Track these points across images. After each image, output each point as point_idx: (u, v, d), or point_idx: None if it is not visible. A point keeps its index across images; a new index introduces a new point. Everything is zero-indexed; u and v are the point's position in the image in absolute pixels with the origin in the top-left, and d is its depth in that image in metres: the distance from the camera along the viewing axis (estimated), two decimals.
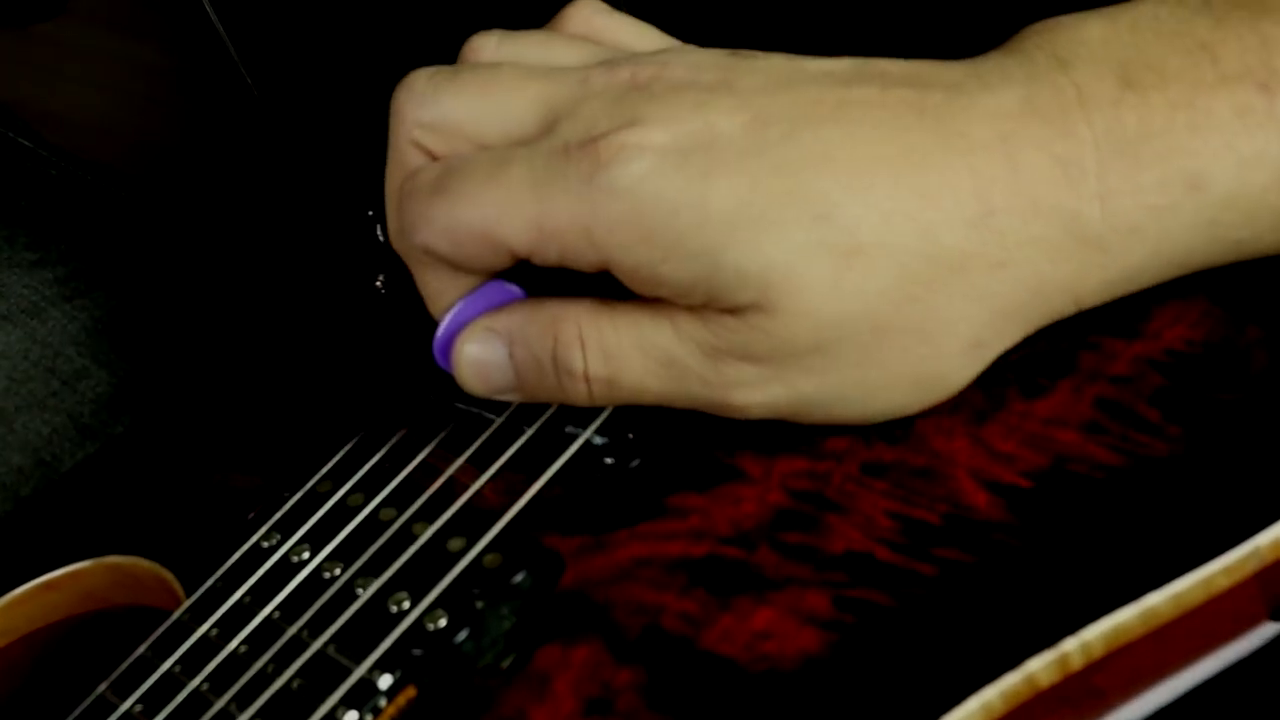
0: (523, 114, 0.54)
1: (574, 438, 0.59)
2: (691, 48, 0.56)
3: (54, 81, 0.79)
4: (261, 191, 0.72)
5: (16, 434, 0.76)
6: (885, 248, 0.50)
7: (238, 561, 0.60)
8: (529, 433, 0.60)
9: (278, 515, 0.61)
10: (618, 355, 0.53)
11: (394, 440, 0.62)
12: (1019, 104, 0.51)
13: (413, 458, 0.61)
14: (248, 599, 0.58)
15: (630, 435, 0.58)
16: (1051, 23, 0.54)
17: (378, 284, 0.69)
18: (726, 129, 0.51)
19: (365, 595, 0.56)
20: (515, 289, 0.56)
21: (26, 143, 0.86)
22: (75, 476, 0.70)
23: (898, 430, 0.56)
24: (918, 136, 0.51)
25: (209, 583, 0.59)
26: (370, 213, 0.70)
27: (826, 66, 0.53)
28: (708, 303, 0.51)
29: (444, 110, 0.55)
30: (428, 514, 0.58)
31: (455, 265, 0.54)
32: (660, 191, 0.50)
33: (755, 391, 0.52)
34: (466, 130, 0.55)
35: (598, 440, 0.59)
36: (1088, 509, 0.52)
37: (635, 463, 0.58)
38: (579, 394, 0.54)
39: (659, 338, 0.52)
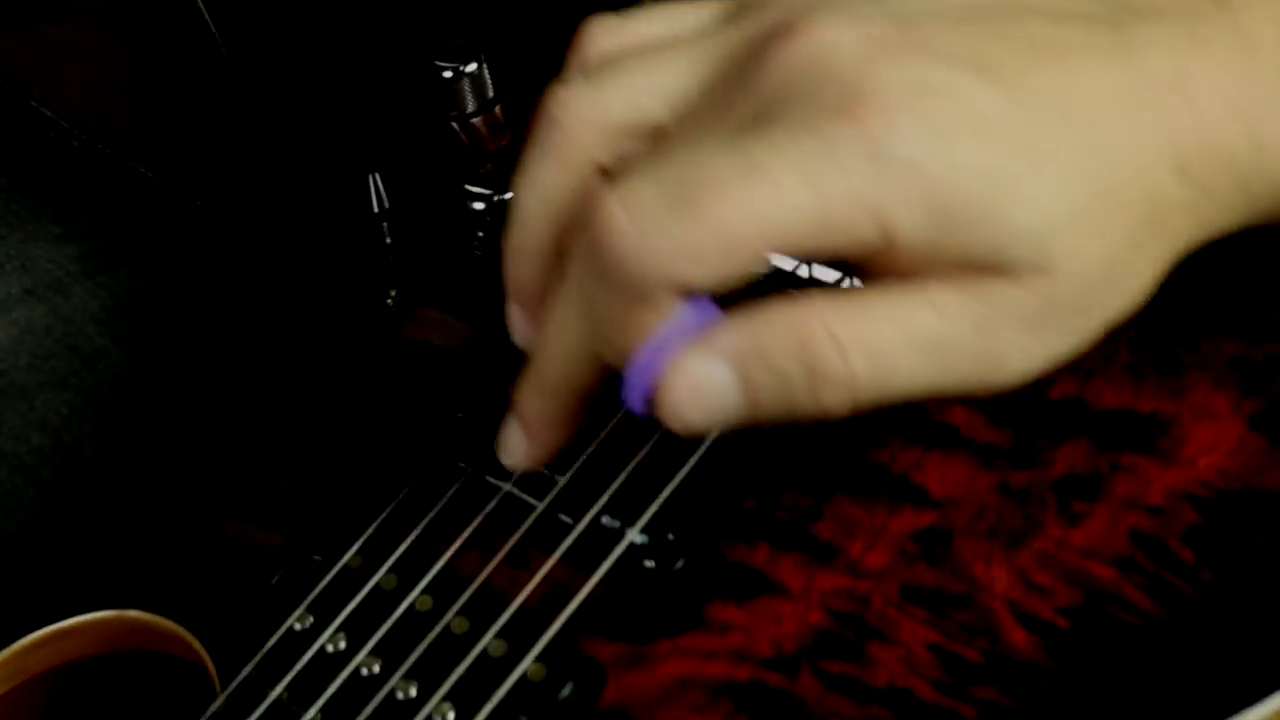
0: (712, 77, 0.51)
1: (614, 532, 0.59)
2: None
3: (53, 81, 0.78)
4: (268, 193, 0.72)
5: (37, 412, 0.76)
6: (1126, 194, 0.49)
7: (272, 648, 0.61)
8: (575, 528, 0.60)
9: (311, 596, 0.61)
10: (881, 349, 0.48)
11: (429, 519, 0.62)
12: (1186, 39, 0.50)
13: (448, 542, 0.61)
14: (286, 696, 0.59)
15: (671, 536, 0.59)
16: None
17: (389, 300, 0.69)
18: (964, 80, 0.48)
19: (410, 705, 0.57)
20: (711, 305, 0.50)
21: (49, 113, 0.84)
22: (84, 510, 0.70)
23: (938, 549, 0.57)
24: (1116, 72, 0.50)
25: (244, 672, 0.60)
26: (377, 210, 0.70)
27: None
28: (986, 267, 0.48)
29: (622, 103, 0.52)
30: (467, 611, 0.59)
31: (701, 287, 0.48)
32: (945, 157, 0.47)
33: (1022, 360, 0.50)
34: (655, 116, 0.52)
35: (639, 539, 0.59)
36: (1123, 655, 0.54)
37: (678, 565, 0.58)
38: (838, 402, 0.48)
39: (922, 321, 0.48)
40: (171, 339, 0.81)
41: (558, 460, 0.61)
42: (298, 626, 0.61)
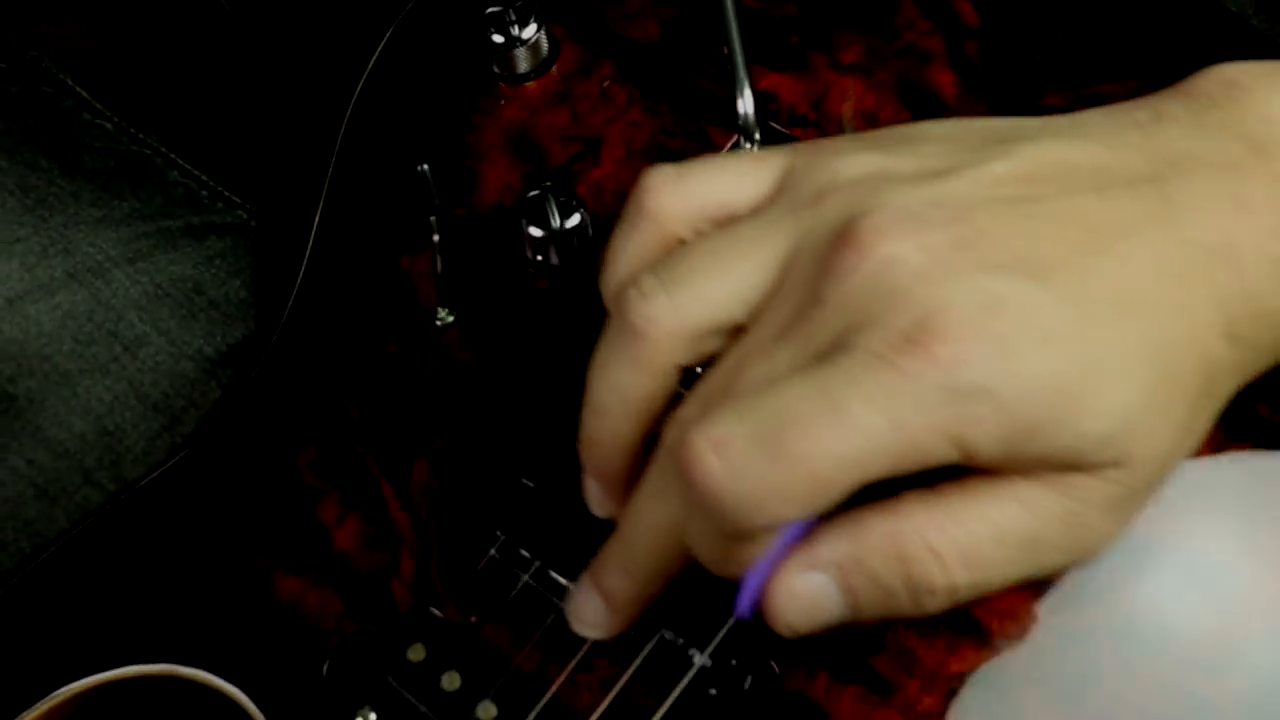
0: (782, 278, 0.53)
1: (677, 647, 0.60)
2: (832, 151, 0.54)
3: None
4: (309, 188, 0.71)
5: (79, 398, 0.76)
6: (1185, 372, 0.51)
7: None
8: (645, 649, 0.60)
9: (373, 691, 0.61)
10: (977, 556, 0.50)
11: (495, 615, 0.62)
12: (1229, 200, 0.52)
13: (517, 647, 0.61)
14: None
15: (734, 661, 0.59)
16: (1230, 86, 0.54)
17: (438, 321, 0.68)
18: (1023, 289, 0.49)
19: None
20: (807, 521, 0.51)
21: (84, 92, 0.82)
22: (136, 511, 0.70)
23: None
24: (1169, 251, 0.51)
25: None
26: (422, 166, 0.69)
27: (1018, 169, 0.52)
28: (1064, 469, 0.50)
29: (699, 310, 0.53)
30: None
31: (793, 521, 0.50)
32: (1020, 376, 0.48)
33: (1106, 539, 0.52)
34: (731, 317, 0.53)
35: (706, 663, 0.59)
36: None
37: (741, 691, 0.59)
38: (936, 606, 0.51)
39: (1013, 521, 0.50)
40: (213, 328, 0.80)
41: None
42: None
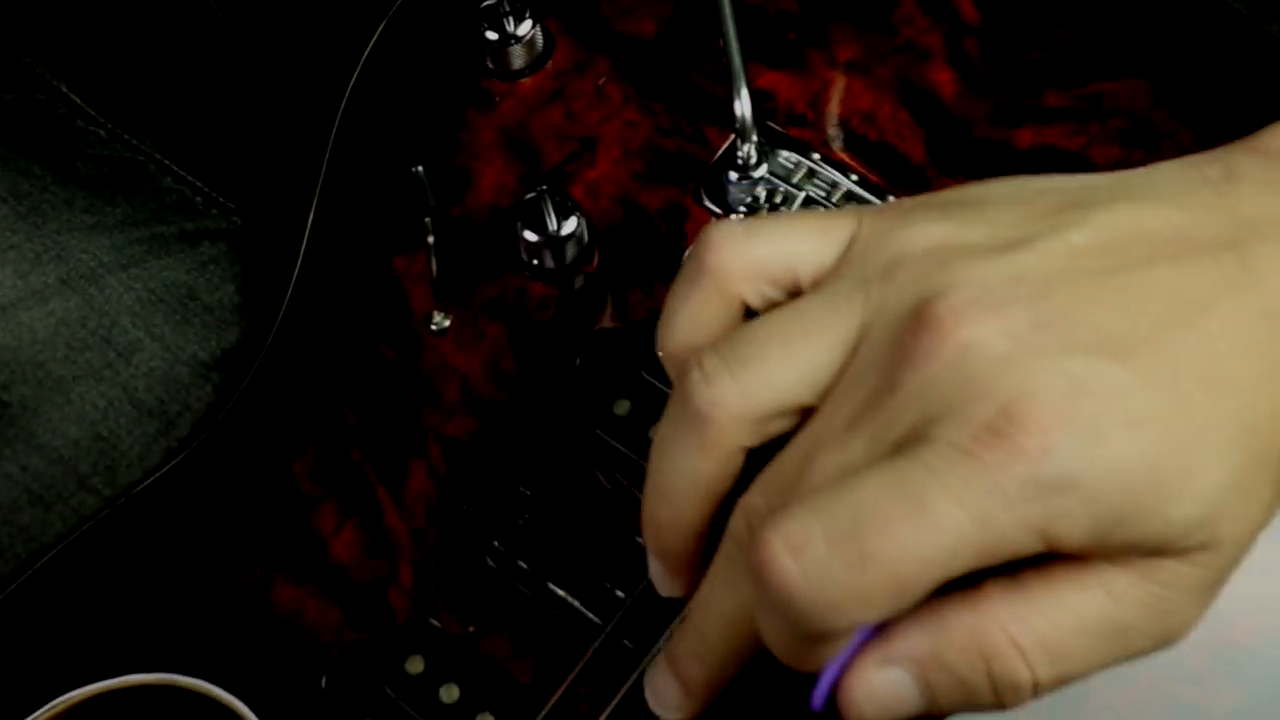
0: (852, 358, 0.51)
1: None
2: (900, 220, 0.52)
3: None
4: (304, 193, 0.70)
5: (73, 404, 0.75)
6: (1271, 450, 0.49)
7: None
8: (644, 662, 0.60)
9: (375, 705, 0.61)
10: (1062, 649, 0.48)
11: (488, 638, 0.62)
12: None
13: (515, 659, 0.61)
14: None
15: None
16: None
17: (433, 326, 0.68)
18: (1107, 370, 0.47)
19: None
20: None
21: (76, 99, 0.82)
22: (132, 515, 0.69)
23: None
24: (1252, 324, 0.49)
25: None
26: (417, 168, 0.69)
27: (1094, 238, 0.50)
28: (1151, 554, 0.48)
29: (765, 393, 0.51)
30: None
31: (872, 622, 0.48)
32: (1107, 465, 0.46)
33: (1192, 623, 0.50)
34: (798, 400, 0.51)
35: None
36: None
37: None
38: (1020, 701, 0.49)
39: (1098, 611, 0.48)
40: (208, 334, 0.79)
41: (625, 580, 0.61)
42: None
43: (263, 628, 0.63)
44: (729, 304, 0.53)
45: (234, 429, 0.68)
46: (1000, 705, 0.49)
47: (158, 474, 0.68)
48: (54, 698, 0.64)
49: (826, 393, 0.51)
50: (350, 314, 0.69)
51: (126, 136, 0.84)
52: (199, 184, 0.83)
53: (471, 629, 0.61)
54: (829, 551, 0.46)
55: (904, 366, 0.48)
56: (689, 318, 0.53)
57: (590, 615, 0.61)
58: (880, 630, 0.49)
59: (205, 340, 0.78)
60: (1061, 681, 0.48)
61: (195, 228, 0.81)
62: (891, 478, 0.46)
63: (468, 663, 0.61)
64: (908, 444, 0.47)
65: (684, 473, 0.52)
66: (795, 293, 0.53)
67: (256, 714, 0.62)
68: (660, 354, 0.54)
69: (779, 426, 0.52)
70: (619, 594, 0.60)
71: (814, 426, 0.50)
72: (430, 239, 0.68)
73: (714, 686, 0.55)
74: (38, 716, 0.63)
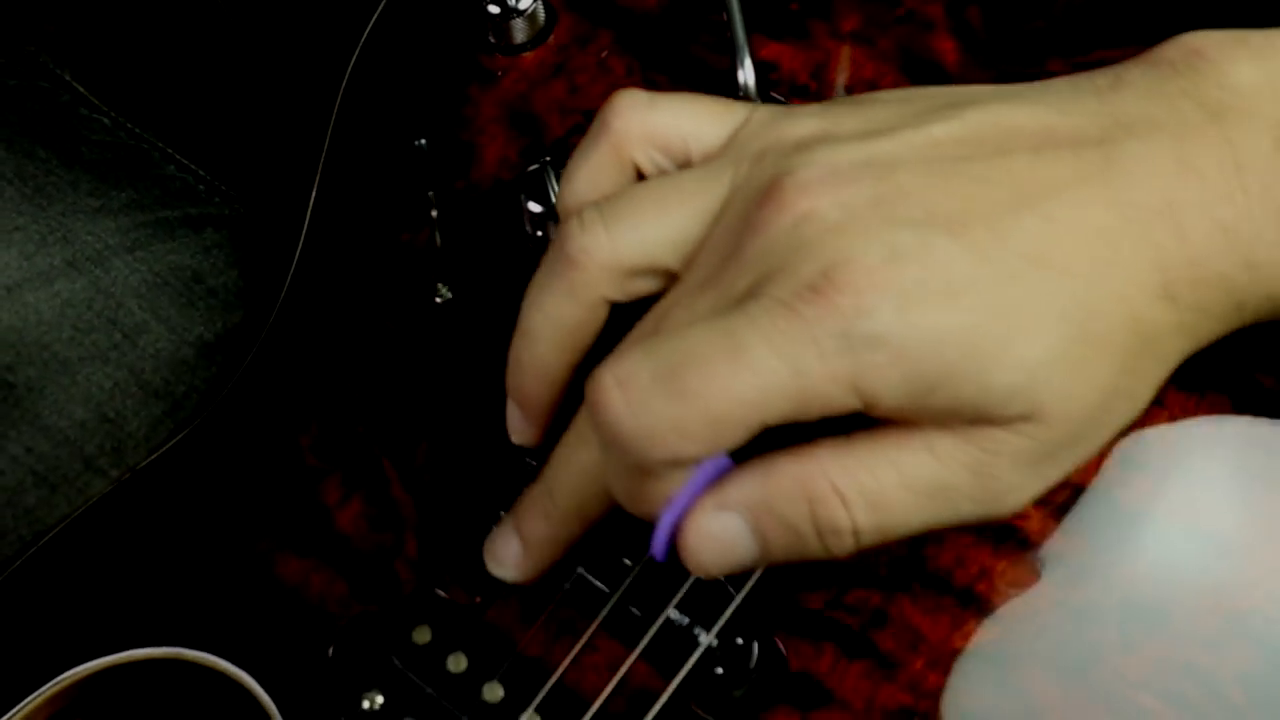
0: (712, 229, 0.54)
1: (682, 628, 0.59)
2: (785, 114, 0.56)
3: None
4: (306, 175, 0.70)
5: (79, 386, 0.75)
6: (1110, 333, 0.51)
7: None
8: (653, 624, 0.60)
9: (377, 670, 0.61)
10: (882, 499, 0.50)
11: (498, 603, 0.62)
12: (1176, 163, 0.52)
13: (523, 628, 0.61)
14: None
15: (739, 640, 0.59)
16: (1193, 55, 0.54)
17: (438, 298, 0.67)
18: (933, 242, 0.50)
19: None
20: (726, 461, 0.52)
21: (80, 87, 0.82)
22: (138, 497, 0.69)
23: None
24: (1099, 211, 0.51)
25: None
26: (421, 141, 0.69)
27: (957, 131, 0.53)
28: (970, 418, 0.50)
29: (634, 249, 0.55)
30: (545, 711, 0.59)
31: (694, 460, 0.51)
32: (920, 328, 0.49)
33: (1018, 495, 0.52)
34: (663, 262, 0.55)
35: (711, 642, 0.59)
36: None
37: (746, 670, 0.58)
38: (843, 548, 0.51)
39: (921, 469, 0.51)
40: (213, 315, 0.79)
41: (635, 548, 0.61)
42: (365, 704, 0.61)
43: (269, 601, 0.63)
44: (623, 165, 0.57)
45: (239, 406, 0.68)
46: (826, 553, 0.51)
47: (162, 450, 0.68)
48: (59, 673, 0.63)
49: (689, 260, 0.54)
50: (354, 289, 0.69)
51: (129, 125, 0.84)
52: (201, 171, 0.83)
53: (478, 599, 0.61)
54: (651, 385, 0.49)
55: (749, 234, 0.52)
56: (586, 175, 0.57)
57: (598, 583, 0.60)
58: (717, 482, 0.51)
59: (211, 322, 0.78)
60: (882, 531, 0.51)
61: (199, 213, 0.81)
62: (718, 327, 0.49)
63: (475, 632, 0.60)
64: (741, 301, 0.50)
65: (550, 316, 0.56)
66: (685, 167, 0.56)
67: (263, 686, 0.61)
68: (557, 208, 0.58)
69: (644, 286, 0.55)
70: (627, 561, 0.60)
71: (672, 290, 0.54)
72: (434, 213, 0.68)
73: (553, 546, 0.58)
74: (43, 692, 0.63)
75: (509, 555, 0.59)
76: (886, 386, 0.49)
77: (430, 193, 0.68)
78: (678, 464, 0.51)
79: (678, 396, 0.49)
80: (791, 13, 0.69)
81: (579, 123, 0.69)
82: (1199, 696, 0.55)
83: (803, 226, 0.51)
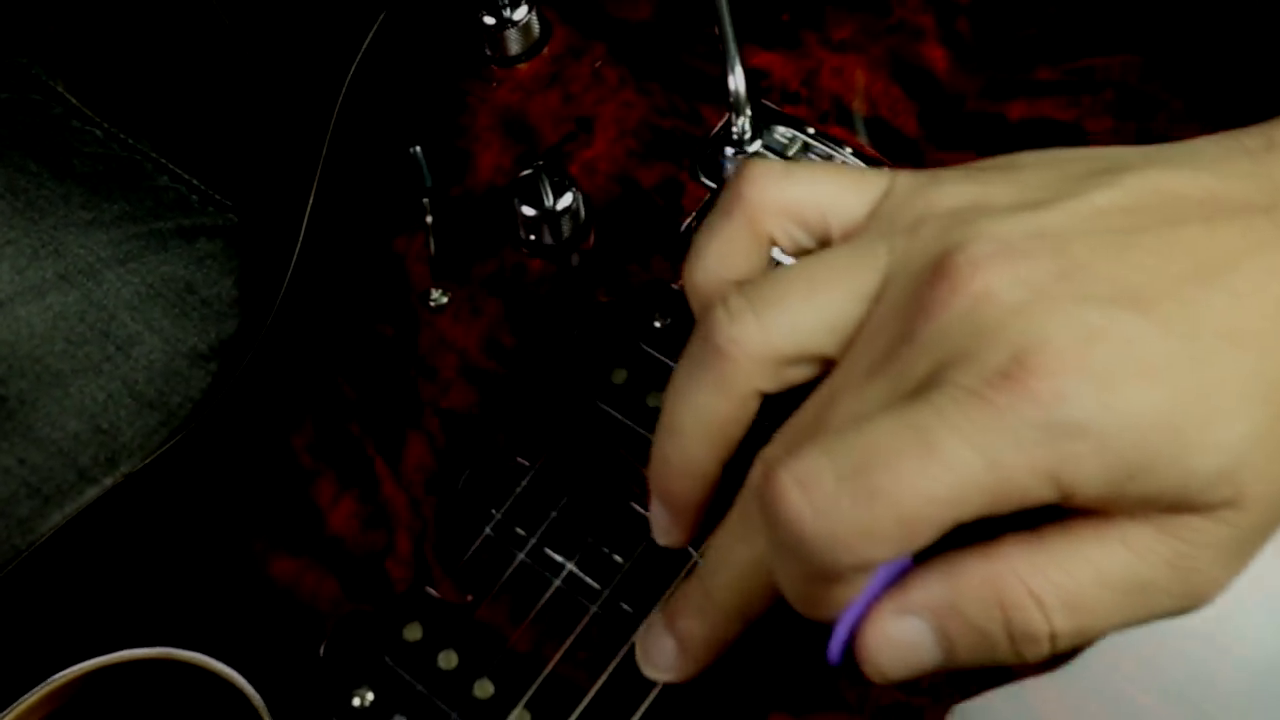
0: (874, 309, 0.51)
1: None
2: (931, 181, 0.52)
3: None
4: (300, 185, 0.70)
5: (72, 398, 0.75)
6: None
7: None
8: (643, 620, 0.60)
9: (368, 667, 0.61)
10: (1080, 601, 0.47)
11: (493, 593, 0.62)
12: None
13: (513, 625, 0.61)
14: None
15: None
16: None
17: (432, 302, 0.68)
18: (1125, 319, 0.47)
19: None
20: (906, 561, 0.49)
21: (73, 99, 0.82)
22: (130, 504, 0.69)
23: None
24: (1271, 277, 0.48)
25: None
26: (415, 148, 0.69)
27: (1121, 200, 0.50)
28: (1171, 508, 0.47)
29: (787, 336, 0.51)
30: (534, 706, 0.59)
31: (883, 562, 0.47)
32: (1115, 415, 0.45)
33: (1218, 585, 0.49)
34: (819, 348, 0.51)
35: None
36: None
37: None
38: (1038, 654, 0.48)
39: (1119, 565, 0.47)
40: (207, 325, 0.79)
41: (624, 546, 0.61)
42: (357, 702, 0.61)
43: (261, 600, 0.63)
44: (759, 240, 0.53)
45: (233, 411, 0.68)
46: (1020, 658, 0.48)
47: (157, 453, 0.68)
48: (52, 674, 0.63)
49: (848, 344, 0.50)
50: (349, 294, 0.69)
51: (123, 136, 0.84)
52: (195, 182, 0.83)
53: (469, 597, 0.61)
54: (837, 487, 0.45)
55: (921, 316, 0.48)
56: (718, 249, 0.53)
57: (588, 580, 0.60)
58: (898, 583, 0.48)
59: (205, 332, 0.78)
60: (1080, 635, 0.48)
61: (192, 224, 0.81)
62: (903, 420, 0.46)
63: (466, 630, 0.60)
64: (923, 391, 0.47)
65: (698, 411, 0.52)
66: (825, 242, 0.53)
67: (255, 686, 0.61)
68: (686, 286, 0.54)
69: (798, 374, 0.52)
70: (617, 559, 0.60)
71: (834, 377, 0.50)
72: (429, 218, 0.69)
73: (713, 647, 0.54)
74: (35, 693, 0.63)
75: (664, 658, 0.55)
76: (1087, 476, 0.46)
77: (425, 199, 0.69)
78: (864, 569, 0.47)
79: (866, 498, 0.45)
80: (783, 23, 0.69)
81: (572, 130, 0.70)
82: (1196, 693, 0.54)
83: (983, 307, 0.47)
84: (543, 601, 0.61)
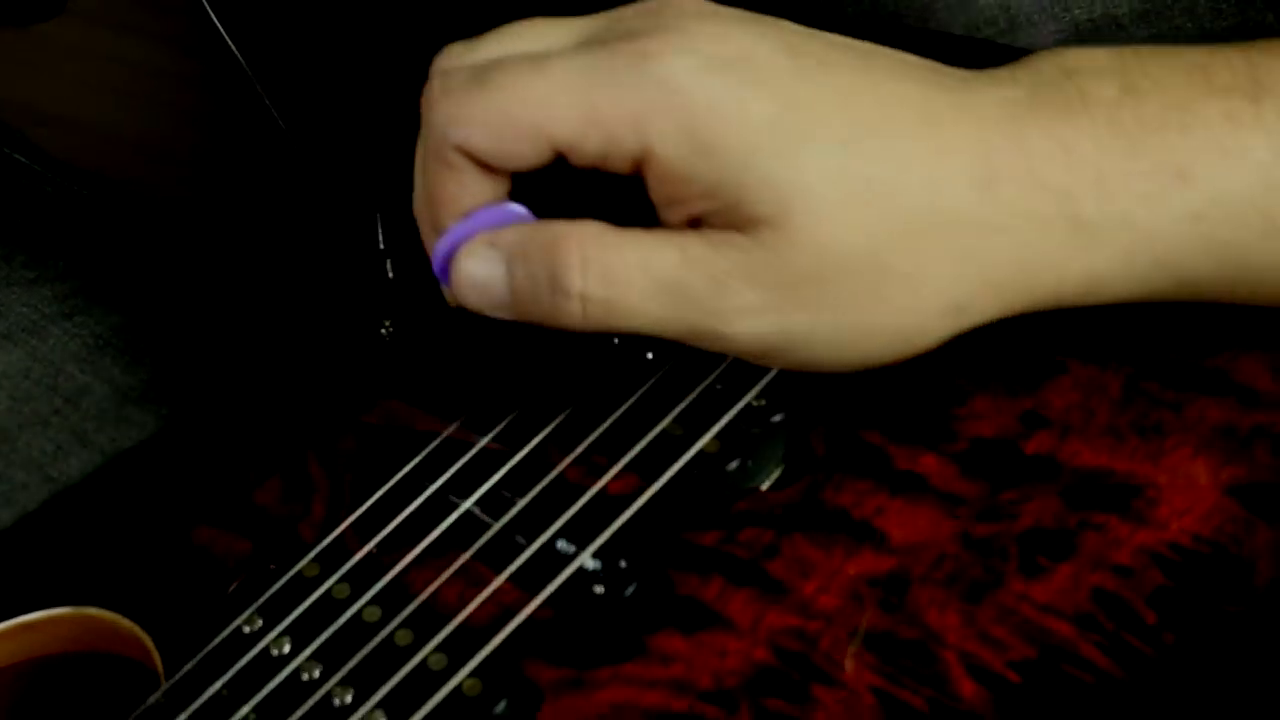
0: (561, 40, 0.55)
1: (568, 557, 0.58)
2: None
3: (53, 83, 0.78)
4: (265, 201, 0.71)
5: (19, 452, 0.76)
6: (897, 189, 0.51)
7: (218, 646, 0.59)
8: (527, 549, 0.59)
9: (262, 599, 0.60)
10: (619, 278, 0.52)
11: (386, 532, 0.61)
12: (1026, 95, 0.53)
13: (403, 555, 0.60)
14: (225, 692, 0.58)
15: (623, 563, 0.57)
16: (1059, 49, 0.55)
17: (383, 330, 0.68)
18: (766, 51, 0.51)
19: (343, 711, 0.56)
20: (522, 210, 0.55)
21: (21, 158, 0.85)
22: (52, 511, 0.69)
23: (893, 596, 0.55)
24: (935, 98, 0.52)
25: (187, 667, 0.59)
26: (382, 247, 0.70)
27: (826, 37, 0.54)
28: (726, 209, 0.51)
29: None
30: (413, 623, 0.58)
31: (488, 163, 0.54)
32: (709, 87, 0.50)
33: (751, 320, 0.52)
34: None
35: (591, 564, 0.58)
36: (1073, 714, 0.51)
37: (628, 592, 0.57)
38: (573, 316, 0.53)
39: (665, 262, 0.52)
40: (156, 367, 0.80)
41: (517, 482, 0.60)
42: (246, 629, 0.60)
43: (176, 567, 0.63)
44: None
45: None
46: (555, 314, 0.53)
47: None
48: None
49: None
50: (300, 322, 0.70)
51: (76, 188, 0.86)
52: (145, 226, 0.85)
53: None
54: (466, 77, 0.53)
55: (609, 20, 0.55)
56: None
57: (486, 518, 0.60)
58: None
59: (157, 376, 0.78)
60: (609, 310, 0.52)
61: (142, 273, 0.82)
62: (537, 51, 0.53)
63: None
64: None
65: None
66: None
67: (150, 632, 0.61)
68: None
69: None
70: (505, 494, 0.61)
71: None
72: (381, 244, 0.70)
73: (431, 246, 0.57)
74: None
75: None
76: (663, 131, 0.50)
77: (378, 218, 0.70)
78: (470, 154, 0.53)
79: (478, 86, 0.52)
80: None
81: None
82: None
83: (663, 9, 0.53)
84: (436, 536, 0.61)
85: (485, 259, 0.54)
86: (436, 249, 0.55)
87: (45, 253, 0.81)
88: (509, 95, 0.52)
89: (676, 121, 0.50)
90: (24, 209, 0.85)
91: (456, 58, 0.55)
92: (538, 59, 0.52)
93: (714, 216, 0.51)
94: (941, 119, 0.52)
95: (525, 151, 0.52)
